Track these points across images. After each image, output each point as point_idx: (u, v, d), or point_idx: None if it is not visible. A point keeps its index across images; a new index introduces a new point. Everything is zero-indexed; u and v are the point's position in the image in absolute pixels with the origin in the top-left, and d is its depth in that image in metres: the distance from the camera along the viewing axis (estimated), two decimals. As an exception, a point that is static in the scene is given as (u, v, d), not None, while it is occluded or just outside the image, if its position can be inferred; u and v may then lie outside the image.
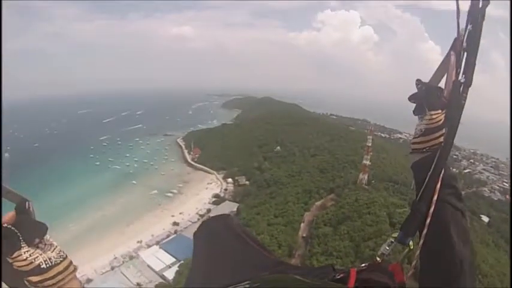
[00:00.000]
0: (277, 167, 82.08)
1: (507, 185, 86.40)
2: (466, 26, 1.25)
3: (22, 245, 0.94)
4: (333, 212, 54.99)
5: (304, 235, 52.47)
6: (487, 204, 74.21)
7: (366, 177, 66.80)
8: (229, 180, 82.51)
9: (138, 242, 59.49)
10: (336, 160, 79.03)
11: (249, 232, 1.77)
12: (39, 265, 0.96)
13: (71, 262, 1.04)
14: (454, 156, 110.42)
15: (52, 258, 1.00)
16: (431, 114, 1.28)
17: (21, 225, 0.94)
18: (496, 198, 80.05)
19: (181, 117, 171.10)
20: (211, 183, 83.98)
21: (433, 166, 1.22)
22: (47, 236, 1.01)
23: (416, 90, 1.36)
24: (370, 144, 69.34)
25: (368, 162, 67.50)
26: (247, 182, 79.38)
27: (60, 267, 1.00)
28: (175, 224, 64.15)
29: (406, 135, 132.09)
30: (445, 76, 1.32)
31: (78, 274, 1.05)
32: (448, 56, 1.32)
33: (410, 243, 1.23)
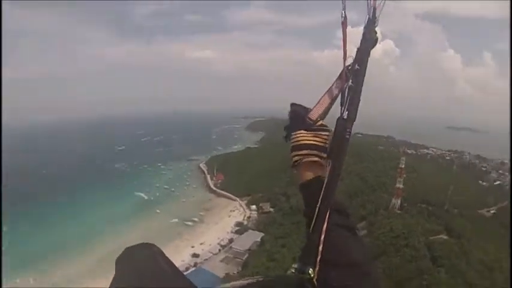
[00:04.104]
0: (303, 192, 77.59)
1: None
2: (354, 65, 1.27)
3: None
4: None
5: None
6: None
7: (399, 201, 62.89)
8: (253, 207, 78.97)
9: (155, 275, 56.47)
10: (365, 183, 74.91)
11: (171, 262, 1.46)
12: None
13: None
14: (483, 169, 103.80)
15: None
16: (296, 135, 1.33)
17: None
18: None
19: (204, 141, 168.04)
20: (234, 211, 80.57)
21: (320, 198, 1.23)
22: None
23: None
24: (403, 166, 65.37)
25: (401, 186, 63.65)
26: (271, 209, 75.61)
27: None
28: (195, 255, 60.35)
29: (433, 150, 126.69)
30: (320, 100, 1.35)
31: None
32: (330, 89, 1.34)
33: (310, 271, 1.21)
